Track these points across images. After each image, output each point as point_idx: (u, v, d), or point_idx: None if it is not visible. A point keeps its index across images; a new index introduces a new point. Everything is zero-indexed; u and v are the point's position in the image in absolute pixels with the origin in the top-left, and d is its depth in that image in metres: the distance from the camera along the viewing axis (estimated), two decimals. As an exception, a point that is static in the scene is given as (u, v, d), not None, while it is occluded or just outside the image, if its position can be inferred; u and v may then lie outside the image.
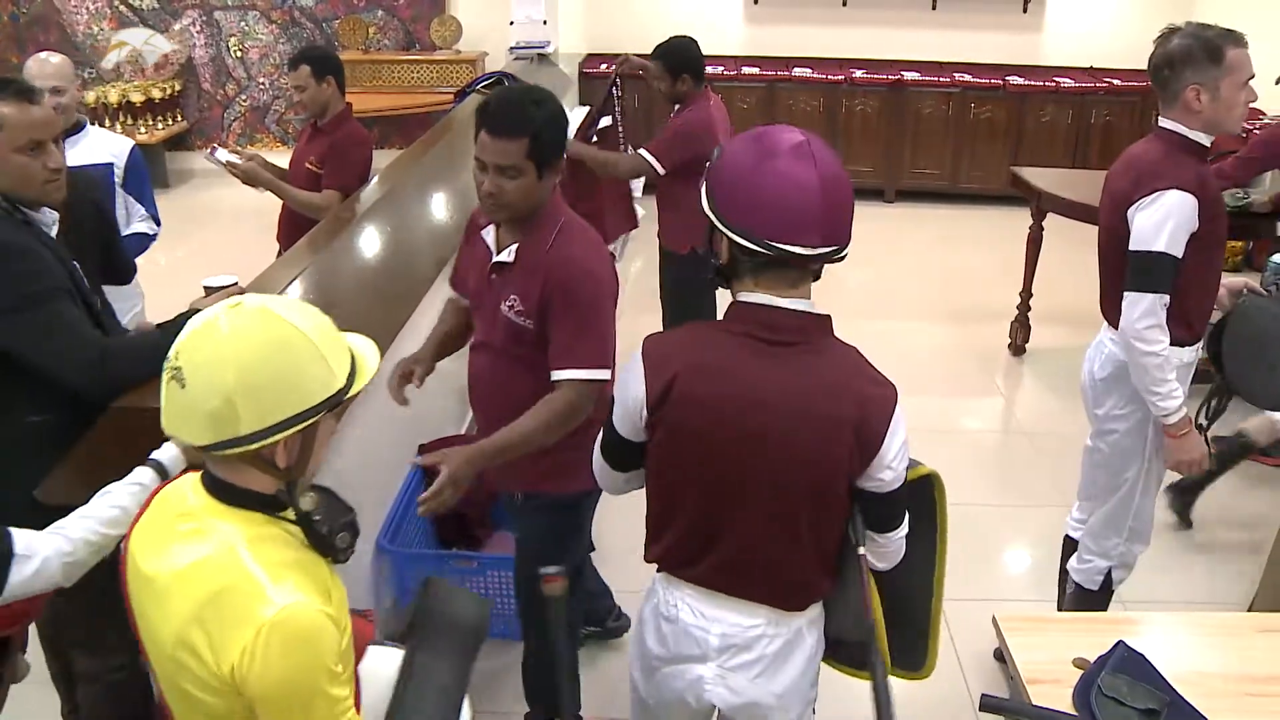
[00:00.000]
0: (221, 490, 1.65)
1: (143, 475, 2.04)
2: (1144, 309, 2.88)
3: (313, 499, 1.70)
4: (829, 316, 2.00)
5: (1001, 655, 2.74)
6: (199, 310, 2.67)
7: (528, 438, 2.63)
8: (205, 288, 2.80)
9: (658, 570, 2.22)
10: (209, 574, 1.57)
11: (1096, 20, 9.20)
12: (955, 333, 6.46)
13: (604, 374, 2.62)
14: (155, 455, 2.08)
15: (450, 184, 4.76)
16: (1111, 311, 3.09)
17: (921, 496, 2.16)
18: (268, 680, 1.53)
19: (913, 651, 2.31)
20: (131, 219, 4.02)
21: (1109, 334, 3.18)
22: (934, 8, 9.13)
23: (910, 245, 8.15)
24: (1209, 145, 2.97)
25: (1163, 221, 2.85)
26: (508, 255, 2.68)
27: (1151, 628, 2.55)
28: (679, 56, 4.73)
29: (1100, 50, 9.22)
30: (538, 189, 2.60)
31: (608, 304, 2.68)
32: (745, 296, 1.98)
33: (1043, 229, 6.08)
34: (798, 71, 8.92)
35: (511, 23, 8.09)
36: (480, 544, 3.88)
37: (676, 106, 4.81)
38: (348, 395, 1.66)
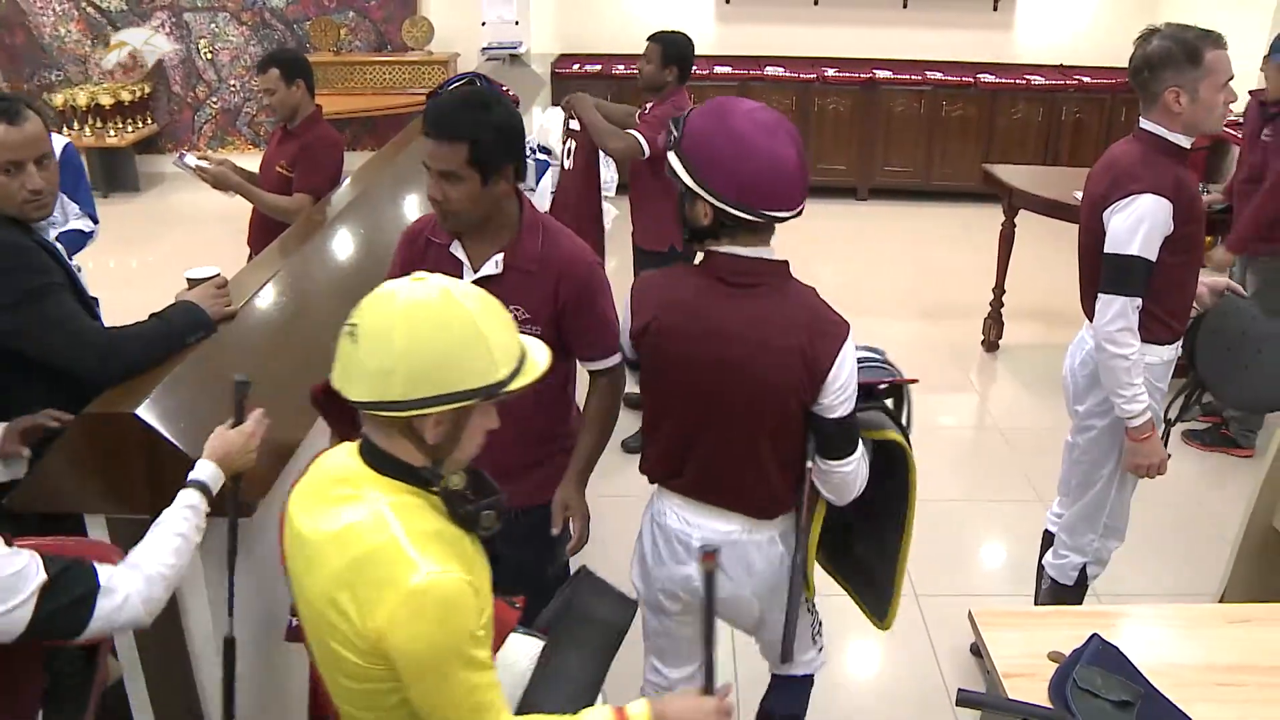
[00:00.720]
0: (375, 457, 1.73)
1: (190, 498, 2.12)
2: (1116, 311, 2.93)
3: (461, 478, 1.76)
4: (786, 262, 2.31)
5: (978, 650, 2.76)
6: (189, 303, 2.69)
7: (604, 437, 2.77)
8: (188, 279, 2.85)
9: (649, 481, 2.57)
10: (358, 538, 1.65)
11: (1066, 18, 9.27)
12: (929, 329, 6.49)
13: (618, 357, 2.70)
14: (196, 476, 2.16)
15: (423, 186, 4.73)
16: (1091, 309, 3.12)
17: (891, 464, 2.46)
18: (412, 645, 1.60)
19: (880, 603, 2.64)
20: (69, 217, 4.01)
21: (1089, 331, 3.20)
22: (905, 6, 9.18)
23: (883, 243, 8.17)
24: (1188, 147, 2.98)
25: (1136, 225, 2.88)
26: (493, 268, 2.61)
27: (1125, 620, 2.57)
28: (677, 48, 4.78)
29: (1070, 48, 9.30)
30: (483, 196, 2.52)
31: (610, 291, 2.74)
32: (716, 248, 2.31)
33: (1015, 226, 6.11)
34: (770, 70, 8.94)
35: (483, 23, 8.07)
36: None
37: (648, 105, 4.81)
38: (507, 389, 1.71)
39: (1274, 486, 3.67)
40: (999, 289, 6.15)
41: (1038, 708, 2.17)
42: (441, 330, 1.66)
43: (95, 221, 4.12)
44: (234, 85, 9.37)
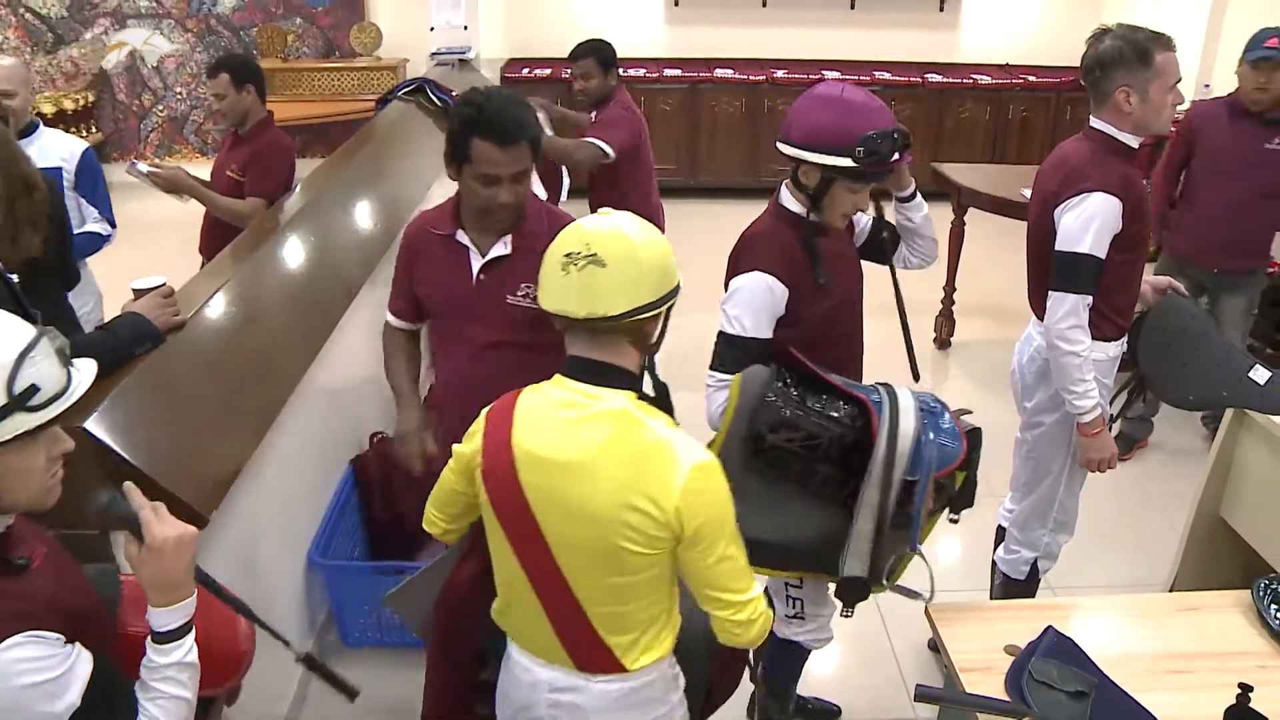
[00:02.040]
0: (597, 374, 1.97)
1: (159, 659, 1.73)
2: (1067, 309, 2.95)
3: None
4: None
5: (935, 645, 2.78)
6: (135, 314, 2.65)
7: None
8: (134, 290, 2.82)
9: None
10: (628, 443, 1.92)
11: (1011, 18, 9.39)
12: (880, 327, 6.51)
13: None
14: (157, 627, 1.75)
15: (374, 191, 4.72)
16: (1039, 306, 3.16)
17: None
18: (707, 510, 1.91)
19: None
20: (86, 220, 3.98)
21: (1037, 328, 3.24)
22: (852, 7, 9.25)
23: None
24: (1136, 147, 3.02)
25: (1087, 223, 2.91)
26: (503, 248, 2.73)
27: (1079, 612, 2.61)
28: (606, 52, 4.84)
29: (1015, 47, 9.41)
30: (527, 185, 2.70)
31: None
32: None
33: (964, 224, 6.18)
34: (719, 72, 8.98)
35: (432, 28, 8.04)
36: (416, 552, 3.85)
37: (594, 114, 4.83)
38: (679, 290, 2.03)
39: (1220, 477, 3.73)
40: (949, 286, 6.21)
41: (994, 701, 2.20)
42: (659, 240, 1.99)
43: (113, 225, 4.07)
44: (180, 93, 9.26)
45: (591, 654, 2.06)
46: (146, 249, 7.42)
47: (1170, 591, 3.45)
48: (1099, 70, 2.99)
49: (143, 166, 4.36)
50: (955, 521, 2.75)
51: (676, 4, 9.20)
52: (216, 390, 2.82)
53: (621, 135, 4.76)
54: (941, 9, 9.33)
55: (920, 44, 9.41)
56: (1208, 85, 6.97)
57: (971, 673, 2.33)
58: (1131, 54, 2.92)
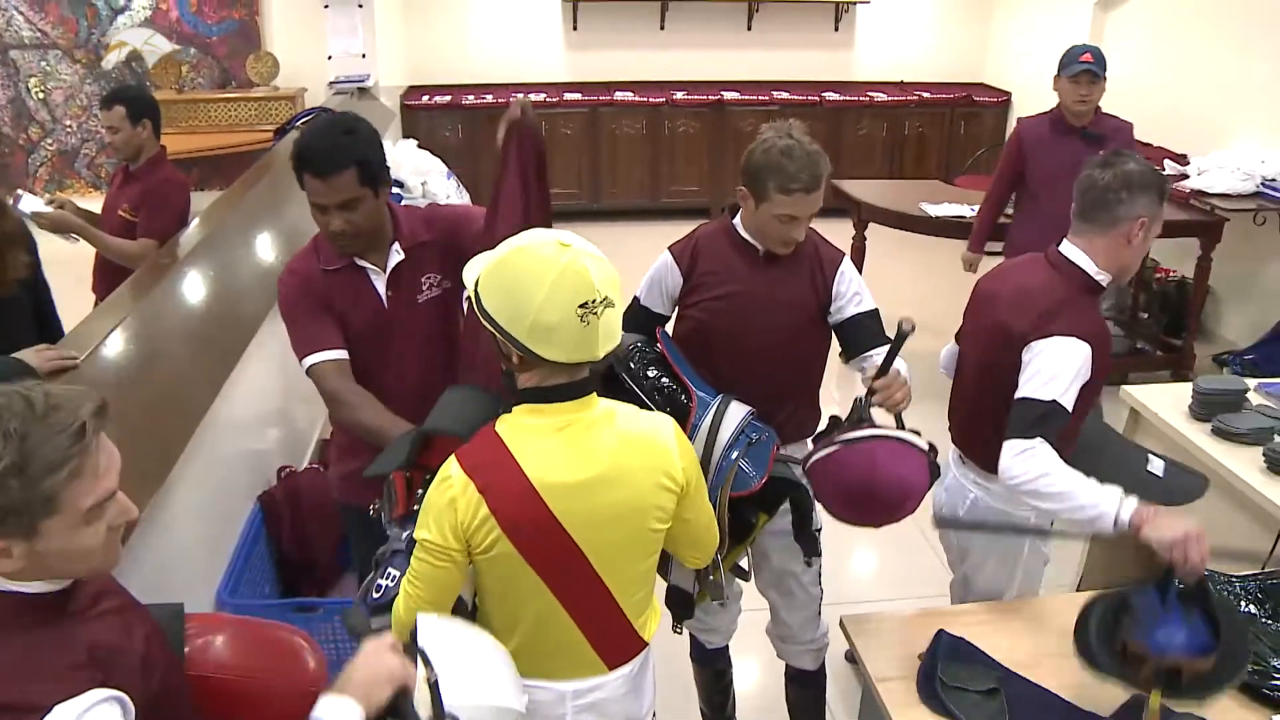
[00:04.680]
0: (569, 391, 1.99)
1: None
2: (1039, 458, 2.51)
3: None
4: None
5: (852, 656, 2.81)
6: (16, 360, 2.57)
7: None
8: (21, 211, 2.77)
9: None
10: (631, 434, 2.04)
11: (904, 37, 9.60)
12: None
13: None
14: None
15: (274, 223, 4.66)
16: (978, 450, 2.89)
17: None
18: (693, 457, 2.15)
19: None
20: None
21: (974, 478, 2.96)
22: (749, 29, 9.37)
23: None
24: (1105, 287, 2.72)
25: (1063, 372, 2.57)
26: (397, 256, 2.75)
27: (991, 616, 2.65)
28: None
29: (909, 64, 9.63)
30: (379, 207, 2.68)
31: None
32: None
33: (865, 238, 6.29)
34: (619, 95, 9.02)
35: (329, 57, 7.96)
36: (327, 589, 3.80)
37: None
38: None
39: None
40: (853, 301, 6.30)
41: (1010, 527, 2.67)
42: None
43: None
44: (70, 126, 9.03)
45: (622, 645, 2.18)
46: (39, 287, 7.17)
47: (1078, 591, 3.54)
48: (1125, 192, 2.61)
49: (28, 204, 4.20)
50: (809, 565, 2.94)
51: (575, 28, 9.24)
52: (117, 431, 2.73)
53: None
54: (836, 29, 9.50)
55: (817, 64, 9.57)
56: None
57: (888, 681, 2.37)
58: (1157, 186, 2.64)
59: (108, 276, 4.27)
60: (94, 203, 4.78)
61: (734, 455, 2.57)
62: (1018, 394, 2.61)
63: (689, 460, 2.10)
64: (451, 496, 1.93)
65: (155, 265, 3.86)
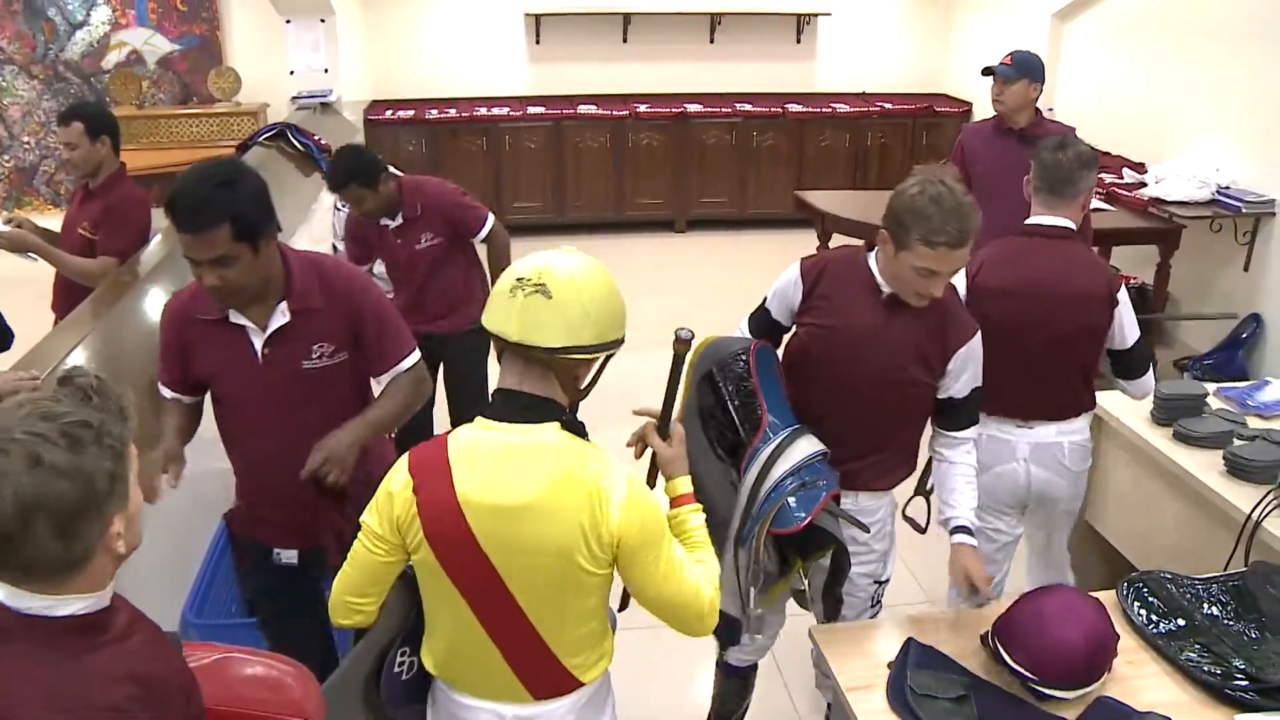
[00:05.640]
0: (523, 408, 2.00)
1: None
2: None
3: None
4: None
5: (823, 667, 2.82)
6: None
7: (395, 415, 2.77)
8: None
9: None
10: (574, 473, 1.96)
11: (865, 48, 9.68)
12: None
13: (418, 353, 2.79)
14: None
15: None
16: (1069, 403, 3.27)
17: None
18: (640, 525, 1.97)
19: None
20: None
21: (1063, 428, 3.27)
22: (712, 41, 9.42)
23: (702, 273, 8.28)
24: None
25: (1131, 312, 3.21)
26: (282, 318, 2.58)
27: (959, 623, 2.67)
28: (365, 164, 4.21)
29: (871, 76, 9.70)
30: (260, 263, 2.50)
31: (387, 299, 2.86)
32: None
33: (829, 249, 6.31)
34: (583, 109, 9.03)
35: (291, 72, 7.94)
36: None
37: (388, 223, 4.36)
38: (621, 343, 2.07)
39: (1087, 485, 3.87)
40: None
41: None
42: (611, 290, 2.02)
43: None
44: (28, 143, 8.94)
45: (550, 681, 2.11)
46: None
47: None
48: (1084, 170, 3.16)
49: None
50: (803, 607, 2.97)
51: (538, 41, 9.25)
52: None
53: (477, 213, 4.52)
54: (799, 41, 9.56)
55: (780, 75, 9.62)
56: (1050, 109, 7.27)
57: (858, 691, 2.38)
58: (1098, 163, 3.28)
59: (68, 295, 4.23)
60: (53, 220, 4.74)
61: (784, 488, 2.56)
62: (1129, 342, 3.19)
63: (630, 526, 1.96)
64: (393, 490, 2.02)
65: (117, 282, 3.82)
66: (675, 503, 2.18)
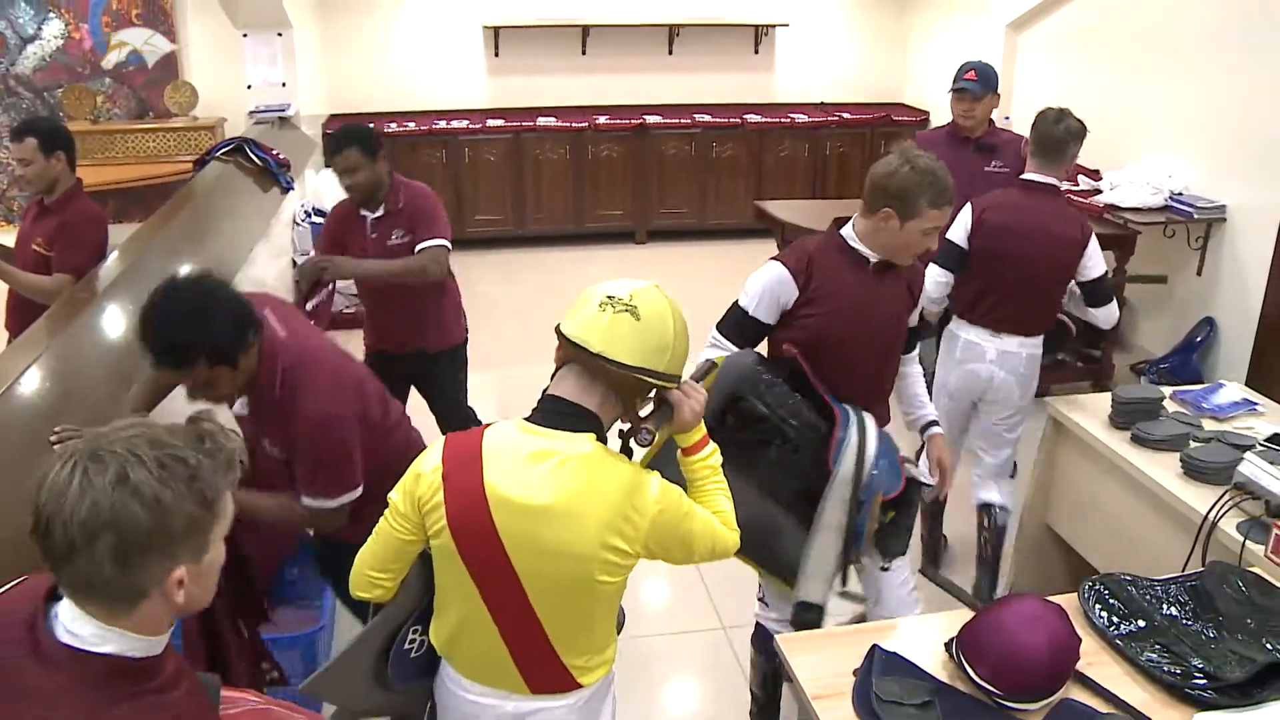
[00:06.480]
0: (569, 418, 2.06)
1: None
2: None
3: None
4: None
5: (788, 675, 2.83)
6: None
7: (281, 512, 2.83)
8: None
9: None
10: (606, 485, 2.02)
11: (823, 58, 9.73)
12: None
13: (349, 497, 2.79)
14: None
15: (196, 254, 4.58)
16: (1034, 323, 4.02)
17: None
18: (674, 530, 2.10)
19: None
20: None
21: (1023, 344, 4.02)
22: (670, 52, 9.44)
23: (663, 283, 7.81)
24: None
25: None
26: (240, 409, 2.74)
27: (920, 628, 2.69)
28: (369, 133, 4.21)
29: (829, 86, 9.77)
30: (237, 374, 2.60)
31: (351, 436, 2.77)
32: None
33: (792, 245, 6.32)
34: (542, 121, 9.03)
35: (249, 86, 7.89)
36: (268, 612, 3.73)
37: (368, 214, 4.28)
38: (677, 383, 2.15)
39: (1043, 489, 3.92)
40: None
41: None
42: (687, 333, 2.14)
43: None
44: (-21, 159, 8.83)
45: (550, 677, 2.17)
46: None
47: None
48: (1073, 141, 3.94)
49: None
50: (886, 569, 3.07)
51: (497, 54, 9.24)
52: (34, 471, 2.69)
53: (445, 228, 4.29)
54: (757, 51, 9.61)
55: (738, 86, 9.67)
56: (1007, 118, 7.35)
57: (823, 699, 2.38)
58: (1084, 134, 3.97)
59: (22, 312, 4.18)
60: (6, 236, 4.68)
61: (882, 461, 2.85)
62: (1096, 274, 3.90)
63: (658, 543, 2.09)
64: (421, 471, 2.10)
65: (73, 299, 3.77)
66: (689, 450, 2.24)
